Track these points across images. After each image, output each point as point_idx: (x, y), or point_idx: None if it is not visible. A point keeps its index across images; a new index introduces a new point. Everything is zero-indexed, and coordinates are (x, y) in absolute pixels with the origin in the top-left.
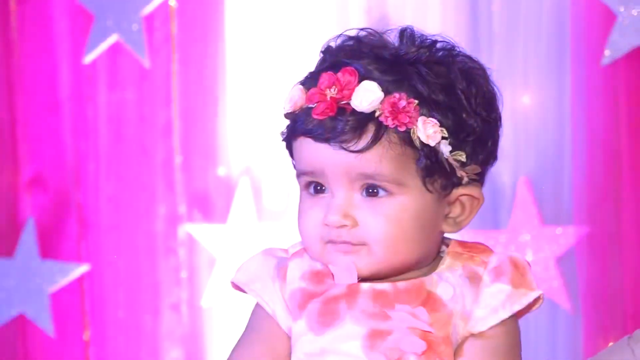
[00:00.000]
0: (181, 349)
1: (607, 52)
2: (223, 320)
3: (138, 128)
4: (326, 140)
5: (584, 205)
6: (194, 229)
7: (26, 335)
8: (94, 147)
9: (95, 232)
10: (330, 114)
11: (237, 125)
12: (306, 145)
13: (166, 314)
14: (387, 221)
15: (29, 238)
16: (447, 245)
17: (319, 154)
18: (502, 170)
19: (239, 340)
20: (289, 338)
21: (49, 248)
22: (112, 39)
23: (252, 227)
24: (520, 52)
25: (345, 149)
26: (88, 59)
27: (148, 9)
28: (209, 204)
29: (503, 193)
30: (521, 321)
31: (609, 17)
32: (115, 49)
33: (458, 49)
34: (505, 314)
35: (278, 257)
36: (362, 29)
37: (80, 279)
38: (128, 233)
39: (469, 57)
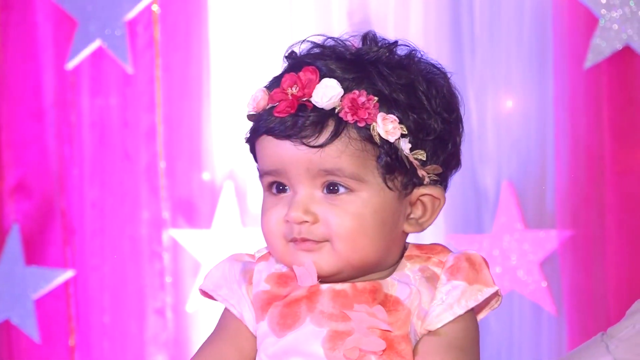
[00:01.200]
0: (166, 354)
1: (589, 56)
2: (208, 324)
3: (122, 133)
4: (287, 137)
5: (567, 209)
6: (178, 234)
7: (11, 341)
8: (78, 153)
9: (80, 237)
10: (291, 111)
11: (221, 130)
12: (268, 144)
13: (151, 318)
14: (348, 216)
15: (13, 244)
16: (406, 250)
17: (280, 151)
18: (485, 174)
19: (207, 339)
20: (255, 339)
21: (34, 254)
22: (95, 44)
23: (237, 232)
24: (503, 56)
25: (305, 144)
26: (71, 64)
27: (131, 14)
28: (194, 208)
29: (486, 197)
30: (506, 323)
31: (591, 20)
32: (98, 54)
33: (419, 53)
34: (459, 310)
35: (244, 261)
36: (327, 37)
37: (65, 285)
38: (113, 238)
39: (430, 62)
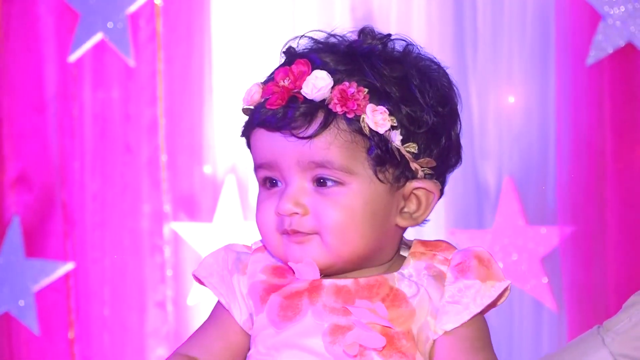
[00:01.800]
0: (166, 347)
1: (592, 52)
2: None
3: (123, 127)
4: (278, 128)
5: (568, 205)
6: (179, 227)
7: (11, 333)
8: (79, 146)
9: (81, 230)
10: (282, 103)
11: (222, 123)
12: (261, 136)
13: (151, 311)
14: (337, 208)
15: (14, 236)
16: (409, 247)
17: (271, 143)
18: (486, 170)
19: (197, 328)
20: (243, 331)
21: (34, 246)
22: (97, 37)
23: (238, 226)
24: (505, 51)
25: (295, 136)
26: (73, 57)
27: (133, 7)
28: (195, 202)
29: (487, 192)
30: (506, 320)
31: (594, 17)
32: (100, 47)
33: (416, 48)
34: (476, 308)
35: (239, 251)
36: (327, 34)
37: (65, 277)
38: (113, 231)
39: (426, 56)
